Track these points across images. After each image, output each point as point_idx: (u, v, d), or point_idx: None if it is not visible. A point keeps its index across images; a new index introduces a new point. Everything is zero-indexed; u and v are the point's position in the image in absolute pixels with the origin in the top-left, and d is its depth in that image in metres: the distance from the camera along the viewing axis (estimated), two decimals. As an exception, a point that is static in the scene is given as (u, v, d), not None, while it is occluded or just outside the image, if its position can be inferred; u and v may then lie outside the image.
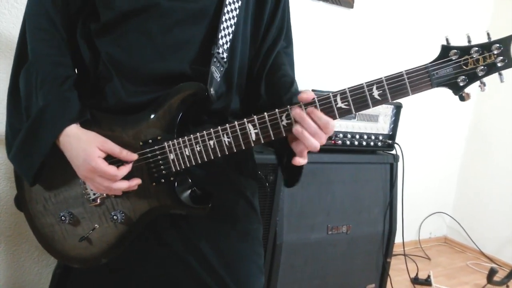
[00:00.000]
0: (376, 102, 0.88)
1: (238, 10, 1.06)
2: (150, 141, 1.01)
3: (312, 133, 0.90)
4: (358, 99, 0.89)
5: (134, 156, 1.00)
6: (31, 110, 1.00)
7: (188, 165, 1.00)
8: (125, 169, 0.99)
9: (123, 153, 0.99)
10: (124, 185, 0.99)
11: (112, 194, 1.02)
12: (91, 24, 1.05)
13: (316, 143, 0.91)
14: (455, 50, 0.84)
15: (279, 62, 1.16)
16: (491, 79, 0.86)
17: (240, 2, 1.06)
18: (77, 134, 0.98)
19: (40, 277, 1.99)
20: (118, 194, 1.02)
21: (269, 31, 1.14)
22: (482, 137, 3.60)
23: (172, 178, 1.02)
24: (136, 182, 1.00)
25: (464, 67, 0.84)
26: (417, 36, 3.11)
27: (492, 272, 2.79)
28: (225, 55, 1.04)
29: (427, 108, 3.25)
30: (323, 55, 2.75)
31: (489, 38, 0.83)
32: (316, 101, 0.91)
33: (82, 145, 0.97)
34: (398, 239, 2.54)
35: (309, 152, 0.98)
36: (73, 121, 0.99)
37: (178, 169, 1.01)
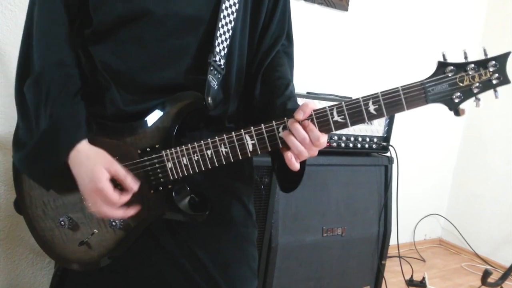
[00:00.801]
0: (371, 117, 0.89)
1: (235, 14, 1.05)
2: (148, 149, 1.01)
3: (300, 140, 0.91)
4: (354, 113, 0.89)
5: (135, 186, 1.00)
6: (41, 123, 0.99)
7: (186, 174, 1.01)
8: (125, 198, 0.99)
9: (128, 180, 0.98)
10: (119, 214, 0.99)
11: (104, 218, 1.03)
12: (86, 31, 1.04)
13: (302, 149, 0.91)
14: (452, 67, 0.84)
15: (277, 62, 1.15)
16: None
17: (237, 5, 1.05)
18: (87, 152, 0.98)
19: (34, 280, 1.99)
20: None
21: (268, 30, 1.14)
22: (476, 139, 3.62)
23: (170, 186, 1.02)
24: (131, 213, 1.01)
25: (459, 83, 0.84)
26: (411, 39, 3.12)
27: (486, 274, 2.81)
28: (222, 61, 1.04)
29: (421, 110, 3.23)
30: (318, 57, 2.76)
31: (485, 54, 0.83)
32: (313, 114, 0.91)
33: (91, 164, 0.96)
34: (393, 241, 2.55)
35: None
36: (83, 137, 0.99)
37: (176, 177, 1.01)
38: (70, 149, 0.97)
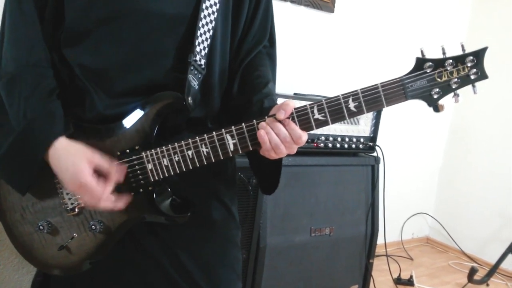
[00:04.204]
0: (352, 114, 0.89)
1: (216, 14, 1.04)
2: (128, 151, 1.00)
3: (282, 138, 0.90)
4: (334, 110, 0.89)
5: (121, 177, 0.98)
6: (18, 123, 0.98)
7: (167, 175, 1.00)
8: (110, 188, 0.97)
9: (112, 171, 0.97)
10: (109, 205, 0.97)
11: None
12: (60, 34, 1.02)
13: (282, 147, 0.91)
14: (430, 63, 0.85)
15: (258, 63, 1.14)
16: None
17: (218, 5, 1.04)
18: (66, 147, 0.96)
19: (20, 285, 1.96)
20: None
21: (250, 31, 1.13)
22: (461, 139, 3.65)
23: (150, 188, 1.01)
24: (120, 205, 0.99)
25: (438, 79, 0.85)
26: (396, 40, 3.15)
27: (472, 271, 2.83)
28: (202, 61, 1.03)
29: (407, 110, 3.28)
30: (305, 58, 2.76)
31: (463, 50, 0.83)
32: (294, 112, 0.91)
33: (71, 158, 0.95)
34: (381, 240, 2.55)
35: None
36: (60, 134, 0.97)
37: (157, 178, 1.00)
38: (47, 146, 0.96)
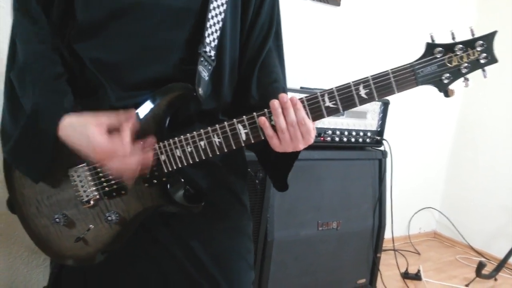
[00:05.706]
0: (363, 101, 0.89)
1: (225, 6, 1.04)
2: (141, 143, 1.00)
3: (289, 122, 0.91)
4: (345, 98, 0.90)
5: (132, 114, 0.97)
6: (27, 107, 0.99)
7: (180, 166, 1.00)
8: (126, 134, 0.94)
9: (121, 117, 0.96)
10: (136, 159, 0.95)
11: (133, 172, 0.98)
12: (71, 31, 1.04)
13: (288, 132, 0.92)
14: (440, 48, 0.85)
15: (271, 62, 1.15)
16: (477, 76, 0.88)
17: None
18: (72, 123, 0.96)
19: (30, 278, 1.98)
20: (134, 171, 0.98)
21: (257, 22, 1.13)
22: (469, 133, 3.64)
23: (164, 179, 1.02)
24: (149, 156, 0.98)
25: (448, 64, 0.85)
26: (404, 32, 3.14)
27: (480, 266, 2.83)
28: (212, 53, 1.03)
29: (414, 104, 3.28)
30: (310, 52, 2.77)
31: (472, 34, 0.84)
32: (305, 100, 0.92)
33: (80, 130, 0.95)
34: (388, 234, 2.56)
35: None
36: (67, 110, 0.97)
37: (170, 169, 1.01)
38: (56, 124, 0.96)
